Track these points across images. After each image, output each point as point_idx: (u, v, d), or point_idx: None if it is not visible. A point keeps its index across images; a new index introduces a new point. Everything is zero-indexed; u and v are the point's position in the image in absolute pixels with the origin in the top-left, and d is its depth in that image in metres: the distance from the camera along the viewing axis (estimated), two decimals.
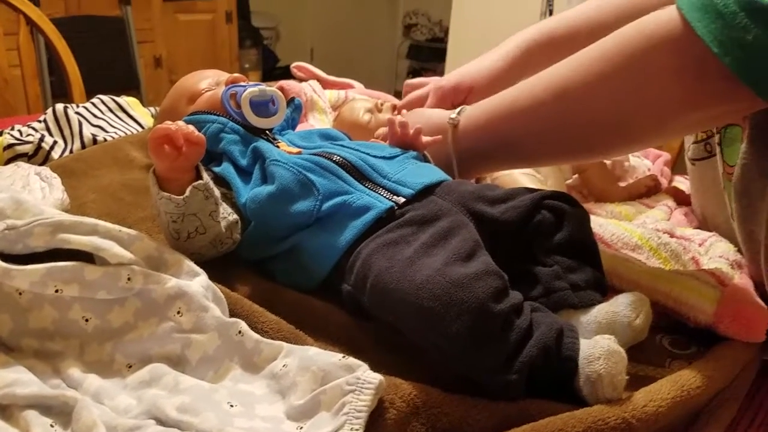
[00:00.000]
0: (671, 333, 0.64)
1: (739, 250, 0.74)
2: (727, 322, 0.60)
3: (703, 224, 0.86)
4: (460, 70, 0.94)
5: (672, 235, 0.76)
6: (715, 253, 0.73)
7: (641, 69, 0.59)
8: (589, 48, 0.63)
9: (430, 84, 0.95)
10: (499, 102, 0.72)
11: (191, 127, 0.61)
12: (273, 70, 4.23)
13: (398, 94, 1.14)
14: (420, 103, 0.95)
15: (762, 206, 0.63)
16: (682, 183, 1.03)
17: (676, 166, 1.16)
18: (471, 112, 0.75)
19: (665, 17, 0.57)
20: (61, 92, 1.60)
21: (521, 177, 0.83)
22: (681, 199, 0.96)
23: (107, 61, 2.96)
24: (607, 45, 0.61)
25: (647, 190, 0.96)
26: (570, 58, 0.65)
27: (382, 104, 1.05)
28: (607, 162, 0.99)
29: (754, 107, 0.57)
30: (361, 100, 1.13)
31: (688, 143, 0.84)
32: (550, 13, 2.79)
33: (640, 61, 0.59)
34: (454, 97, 0.92)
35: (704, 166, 0.81)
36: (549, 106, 0.66)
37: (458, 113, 0.76)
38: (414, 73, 4.63)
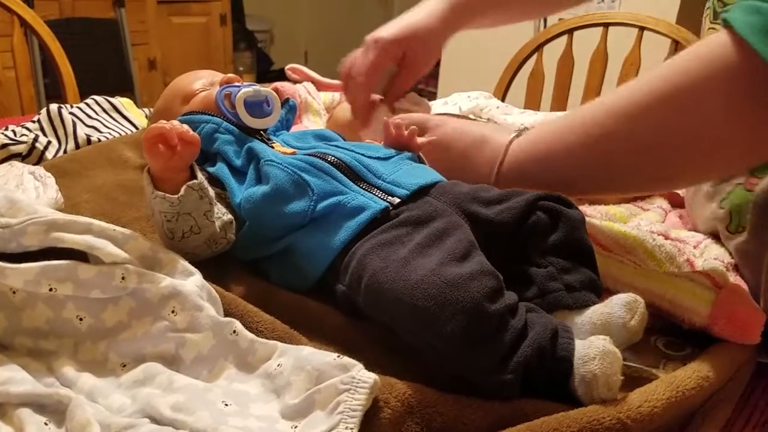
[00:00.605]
0: (666, 334, 0.64)
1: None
2: (722, 324, 0.60)
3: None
4: (394, 23, 0.92)
5: (667, 237, 0.76)
6: (710, 255, 0.73)
7: (701, 94, 0.56)
8: (645, 78, 0.61)
9: (367, 40, 0.92)
10: (548, 139, 0.70)
11: (186, 127, 0.61)
12: (267, 72, 4.23)
13: None
14: (360, 63, 0.91)
15: None
16: None
17: None
18: (521, 147, 0.72)
19: (719, 41, 0.55)
20: (55, 94, 1.60)
21: None
22: (675, 201, 0.96)
23: (101, 63, 2.96)
24: (664, 73, 0.59)
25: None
26: (622, 92, 0.62)
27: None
28: None
29: None
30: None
31: None
32: (544, 19, 2.79)
33: (698, 87, 0.56)
34: (396, 50, 0.90)
35: None
36: (594, 145, 0.64)
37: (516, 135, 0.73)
38: None
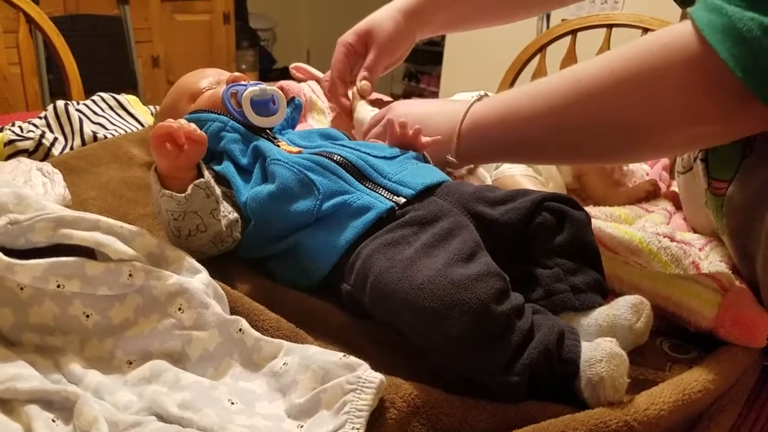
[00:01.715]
0: (671, 337, 0.64)
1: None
2: (728, 326, 0.60)
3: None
4: (360, 24, 0.98)
5: (672, 239, 0.76)
6: (716, 257, 0.73)
7: (658, 78, 0.59)
8: (608, 56, 0.64)
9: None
10: (512, 102, 0.72)
11: (193, 126, 0.61)
12: (270, 71, 4.23)
13: (394, 96, 1.15)
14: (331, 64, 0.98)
15: (760, 220, 0.63)
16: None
17: (673, 170, 1.16)
18: (481, 109, 0.74)
19: (683, 32, 0.58)
20: (60, 90, 1.60)
21: (523, 179, 0.83)
22: (680, 203, 0.96)
23: (105, 60, 2.96)
24: (626, 54, 0.62)
25: (646, 195, 0.96)
26: (587, 65, 0.65)
27: (378, 103, 1.05)
28: (607, 166, 0.99)
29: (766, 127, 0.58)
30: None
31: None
32: (547, 18, 2.79)
33: (657, 71, 0.59)
34: (357, 44, 0.96)
35: (687, 178, 0.82)
36: (559, 112, 0.66)
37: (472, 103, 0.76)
38: (410, 76, 4.63)
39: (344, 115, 0.97)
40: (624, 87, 0.62)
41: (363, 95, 0.93)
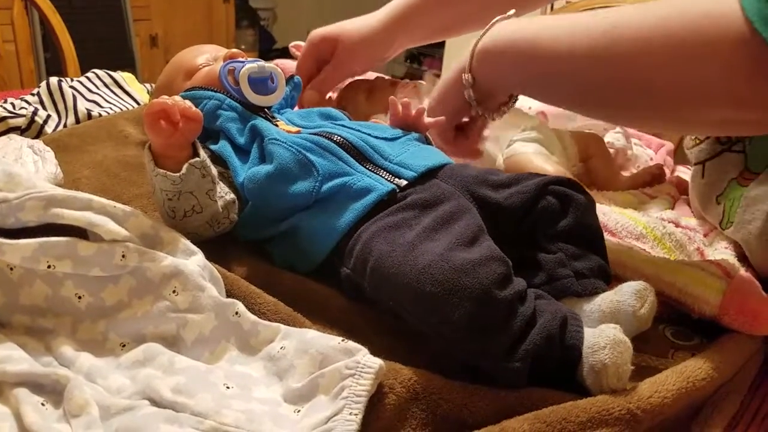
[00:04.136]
0: (674, 324, 0.63)
1: None
2: (732, 314, 0.59)
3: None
4: (337, 24, 0.96)
5: (677, 225, 0.75)
6: (721, 244, 0.72)
7: (703, 52, 0.56)
8: (648, 10, 0.59)
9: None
10: (532, 32, 0.67)
11: (188, 103, 0.60)
12: (270, 51, 4.20)
13: (395, 78, 1.13)
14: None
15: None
16: (685, 173, 1.02)
17: (677, 156, 1.14)
18: (503, 32, 0.70)
19: (730, 11, 0.54)
20: (56, 69, 1.58)
21: (536, 158, 0.82)
22: (684, 189, 0.95)
23: (102, 38, 2.93)
24: (669, 15, 0.58)
25: (651, 180, 0.95)
26: (625, 15, 0.60)
27: (379, 82, 1.04)
28: (611, 150, 0.98)
29: None
30: (359, 79, 1.11)
31: (691, 143, 0.83)
32: (551, 5, 2.75)
33: (703, 44, 0.55)
34: (323, 46, 0.95)
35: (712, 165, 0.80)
36: (583, 56, 0.61)
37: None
38: (411, 57, 4.59)
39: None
40: (665, 51, 0.57)
41: (308, 103, 0.93)
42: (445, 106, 0.76)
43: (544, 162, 0.82)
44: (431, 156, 0.68)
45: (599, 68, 0.61)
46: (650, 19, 0.58)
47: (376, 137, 0.69)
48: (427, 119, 0.74)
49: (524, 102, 1.14)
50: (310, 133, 0.68)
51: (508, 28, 0.69)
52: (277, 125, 0.71)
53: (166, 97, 0.59)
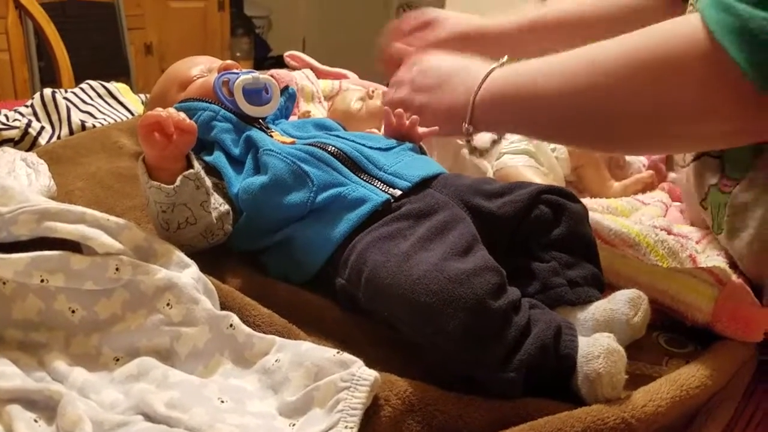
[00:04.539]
0: (668, 331, 0.63)
1: None
2: (725, 321, 0.59)
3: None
4: (466, 17, 0.94)
5: (669, 232, 0.75)
6: (713, 251, 0.72)
7: (673, 71, 0.58)
8: (624, 41, 0.62)
9: (433, 17, 0.94)
10: (528, 78, 0.70)
11: (182, 115, 0.60)
12: (265, 59, 4.20)
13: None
14: (422, 35, 0.93)
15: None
16: (677, 180, 1.02)
17: (669, 163, 1.15)
18: (498, 80, 0.72)
19: (694, 27, 0.56)
20: (50, 78, 1.58)
21: (526, 170, 0.82)
22: (676, 195, 0.95)
23: (97, 47, 2.92)
24: (642, 42, 0.61)
25: (644, 187, 0.95)
26: (602, 49, 0.63)
27: (373, 91, 1.04)
28: (602, 157, 0.98)
29: None
30: (353, 89, 1.12)
31: None
32: None
33: (672, 64, 0.58)
34: (458, 47, 0.89)
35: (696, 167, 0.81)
36: (572, 96, 0.65)
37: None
38: None
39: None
40: (638, 76, 0.60)
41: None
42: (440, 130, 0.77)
43: (533, 174, 0.82)
44: (425, 166, 0.68)
45: (585, 104, 0.64)
46: (624, 48, 0.61)
47: (370, 147, 0.69)
48: (420, 129, 0.75)
49: None
50: (304, 144, 0.68)
51: (504, 78, 0.71)
52: (271, 136, 0.72)
53: (161, 109, 0.59)
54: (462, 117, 0.72)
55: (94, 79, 1.14)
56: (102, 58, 2.94)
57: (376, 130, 0.84)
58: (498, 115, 0.71)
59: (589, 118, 0.65)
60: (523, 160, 0.84)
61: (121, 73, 2.99)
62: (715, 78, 0.55)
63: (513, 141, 0.88)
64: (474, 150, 0.81)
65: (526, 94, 0.69)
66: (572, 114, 0.66)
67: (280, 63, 1.32)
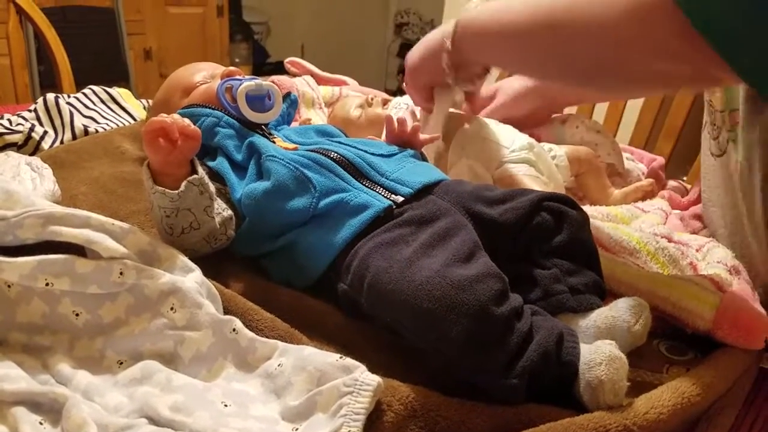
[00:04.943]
0: (668, 339, 0.63)
1: (736, 257, 0.74)
2: (726, 328, 0.59)
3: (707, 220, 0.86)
4: None
5: (670, 240, 0.76)
6: (713, 258, 0.72)
7: (628, 15, 0.59)
8: None
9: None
10: (495, 13, 0.75)
11: (187, 121, 0.60)
12: (263, 65, 4.20)
13: (389, 93, 1.14)
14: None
15: None
16: (677, 188, 1.03)
17: (668, 170, 1.15)
18: (466, 26, 0.78)
19: None
20: (50, 83, 1.58)
21: (525, 179, 0.83)
22: (676, 203, 0.96)
23: (97, 52, 2.93)
24: None
25: (644, 195, 0.96)
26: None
27: (372, 99, 1.04)
28: (603, 164, 0.99)
29: (718, 73, 0.57)
30: (353, 96, 1.12)
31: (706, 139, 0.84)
32: None
33: (626, 10, 0.59)
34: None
35: (723, 161, 0.81)
36: (536, 35, 0.69)
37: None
38: (404, 72, 4.62)
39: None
40: (578, 16, 0.62)
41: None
42: (423, 65, 0.85)
43: (533, 183, 0.82)
44: (427, 172, 0.68)
45: (546, 38, 0.67)
46: None
47: (372, 154, 0.69)
48: (422, 136, 0.75)
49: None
50: (307, 150, 0.68)
51: (478, 12, 0.78)
52: (274, 142, 0.72)
53: (165, 114, 0.60)
54: (440, 50, 0.80)
55: (93, 84, 1.15)
56: (102, 63, 2.95)
57: (375, 137, 0.84)
58: (473, 42, 0.77)
59: (548, 49, 0.68)
60: (524, 169, 0.84)
61: (121, 78, 2.99)
62: (666, 24, 0.56)
63: (514, 150, 0.88)
64: (459, 82, 0.86)
65: (494, 24, 0.74)
66: (532, 47, 0.70)
67: (278, 69, 1.33)
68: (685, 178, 1.12)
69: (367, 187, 0.65)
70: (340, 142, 0.71)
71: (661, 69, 0.60)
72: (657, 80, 0.65)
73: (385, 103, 1.03)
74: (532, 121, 1.04)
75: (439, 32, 0.82)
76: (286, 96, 0.82)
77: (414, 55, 0.88)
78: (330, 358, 0.49)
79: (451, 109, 0.93)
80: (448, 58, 0.80)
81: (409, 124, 0.76)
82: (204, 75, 0.82)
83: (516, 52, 0.74)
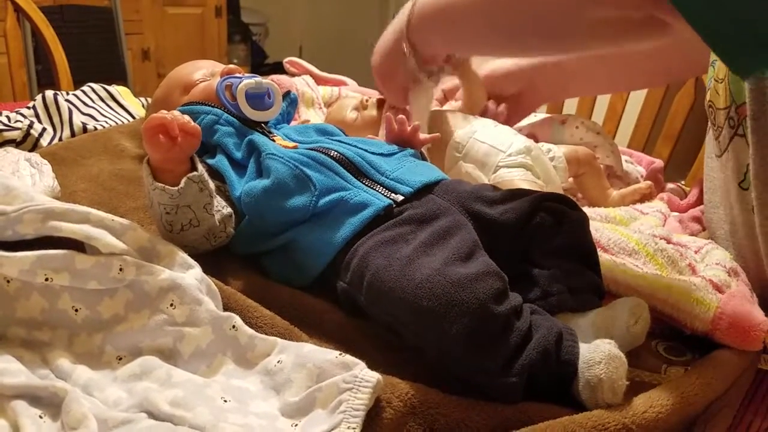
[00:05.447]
0: (666, 339, 0.64)
1: (735, 258, 0.74)
2: (724, 329, 0.60)
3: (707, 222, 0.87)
4: None
5: (669, 241, 0.76)
6: (712, 260, 0.72)
7: None
8: None
9: None
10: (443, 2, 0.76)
11: (187, 117, 0.60)
12: (261, 66, 4.20)
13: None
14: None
15: None
16: (675, 191, 1.03)
17: (667, 173, 1.16)
18: (419, 15, 0.79)
19: None
20: (48, 81, 1.57)
21: (521, 183, 0.83)
22: (675, 206, 0.96)
23: (95, 51, 2.92)
24: None
25: (642, 197, 0.96)
26: None
27: (367, 101, 1.04)
28: (602, 166, 0.99)
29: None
30: (350, 97, 1.12)
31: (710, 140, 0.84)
32: None
33: None
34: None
35: (724, 161, 0.81)
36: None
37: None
38: None
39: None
40: None
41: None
42: (389, 70, 0.85)
43: (529, 187, 0.83)
44: (427, 172, 0.68)
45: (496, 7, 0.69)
46: None
47: (372, 153, 0.69)
48: (422, 135, 0.75)
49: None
50: (306, 148, 0.68)
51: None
52: (273, 140, 0.72)
53: (165, 111, 0.60)
54: (400, 50, 0.80)
55: (91, 82, 1.14)
56: (99, 62, 2.94)
57: (373, 137, 0.84)
58: (426, 32, 0.78)
59: (499, 14, 0.70)
60: (520, 174, 0.84)
61: (119, 78, 2.99)
62: None
63: (510, 154, 0.88)
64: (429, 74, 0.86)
65: (444, 9, 0.75)
66: (482, 13, 0.71)
67: (276, 70, 1.33)
68: (683, 182, 1.13)
69: (366, 185, 0.65)
70: (340, 141, 0.71)
71: (612, 16, 0.61)
72: (608, 28, 0.65)
73: (380, 104, 1.03)
74: (522, 107, 1.07)
75: (391, 32, 0.82)
76: (286, 94, 0.82)
77: (376, 61, 0.87)
78: (329, 355, 0.49)
79: (434, 108, 0.93)
80: (411, 54, 0.80)
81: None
82: (204, 72, 0.82)
83: (468, 24, 0.74)
